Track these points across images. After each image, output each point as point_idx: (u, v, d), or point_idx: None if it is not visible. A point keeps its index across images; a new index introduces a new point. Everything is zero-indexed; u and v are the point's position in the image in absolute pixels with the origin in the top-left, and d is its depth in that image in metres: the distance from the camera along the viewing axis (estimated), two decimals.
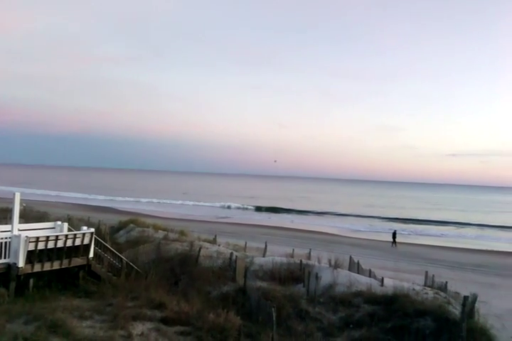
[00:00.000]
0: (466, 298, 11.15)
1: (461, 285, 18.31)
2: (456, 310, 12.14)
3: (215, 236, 24.59)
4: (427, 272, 17.39)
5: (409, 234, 47.59)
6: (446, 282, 15.74)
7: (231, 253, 16.89)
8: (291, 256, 20.40)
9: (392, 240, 38.04)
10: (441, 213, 76.83)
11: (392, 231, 40.00)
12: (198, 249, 16.98)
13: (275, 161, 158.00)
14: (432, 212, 77.81)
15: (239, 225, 47.25)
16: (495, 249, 40.32)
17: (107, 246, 14.42)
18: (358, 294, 13.66)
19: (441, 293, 14.28)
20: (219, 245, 21.53)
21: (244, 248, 23.43)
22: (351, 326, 11.88)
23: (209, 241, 21.95)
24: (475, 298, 11.61)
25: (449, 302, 13.07)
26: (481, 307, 13.55)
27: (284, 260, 17.52)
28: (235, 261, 15.40)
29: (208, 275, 14.69)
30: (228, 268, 15.71)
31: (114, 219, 28.63)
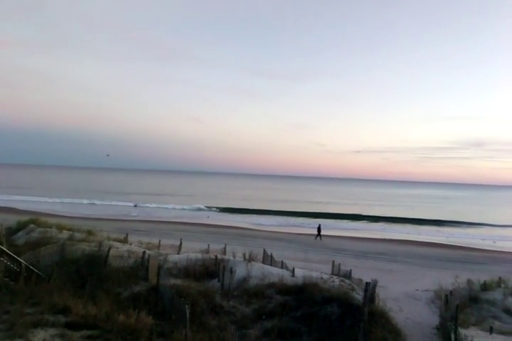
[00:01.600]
0: (367, 284, 12.04)
1: (364, 272, 19.77)
2: (359, 296, 13.06)
3: (127, 234, 23.65)
4: (333, 261, 18.46)
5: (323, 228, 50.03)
6: (351, 270, 16.85)
7: (143, 252, 16.37)
8: (207, 251, 20.38)
9: (317, 233, 39.61)
10: (352, 207, 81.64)
11: (317, 225, 41.24)
12: (107, 248, 16.19)
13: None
14: (343, 207, 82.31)
15: (153, 223, 45.94)
16: (394, 237, 44.11)
17: (2, 249, 13.13)
18: (271, 285, 14.07)
19: (346, 281, 15.27)
20: (131, 244, 20.76)
21: (158, 246, 22.88)
22: (264, 317, 12.20)
23: (120, 241, 21.04)
24: (375, 283, 12.58)
25: (352, 289, 14.02)
26: (380, 292, 14.74)
27: (199, 256, 17.45)
28: (148, 260, 14.97)
29: (118, 275, 14.09)
30: (140, 267, 15.22)
31: (12, 220, 26.15)
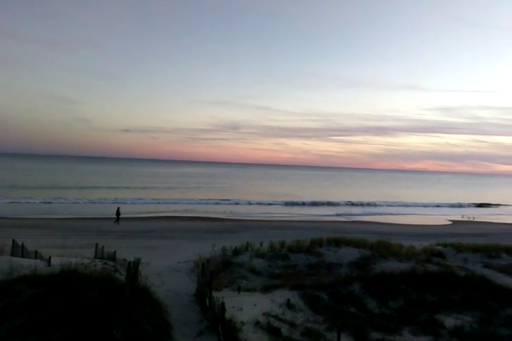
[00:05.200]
0: (130, 263, 12.02)
1: (130, 251, 19.75)
2: (122, 276, 12.93)
3: None
4: (97, 244, 17.71)
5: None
6: (115, 251, 16.54)
7: None
8: None
9: (116, 217, 36.76)
10: (137, 190, 78.89)
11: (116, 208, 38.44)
12: None
13: None
14: (130, 190, 78.33)
15: None
16: (166, 215, 45.65)
17: None
18: (21, 279, 12.43)
19: (110, 263, 14.91)
20: None
21: None
22: (11, 315, 10.71)
23: None
24: (138, 261, 12.69)
25: (116, 270, 13.78)
26: (145, 269, 15.02)
27: None
28: None
29: None
30: None
31: None
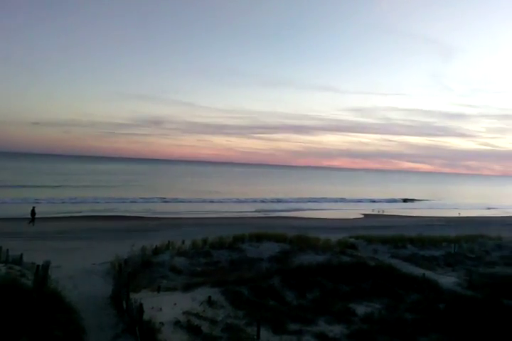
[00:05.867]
0: (38, 267, 11.22)
1: (40, 254, 18.33)
2: (29, 281, 12.02)
3: None
4: (1, 247, 16.24)
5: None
6: (22, 254, 15.32)
7: None
8: None
9: (31, 217, 33.46)
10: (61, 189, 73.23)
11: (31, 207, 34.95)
12: None
13: None
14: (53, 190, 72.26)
15: None
16: (79, 215, 43.09)
17: None
18: None
19: (16, 267, 13.81)
20: None
21: None
22: None
23: None
24: (47, 265, 11.83)
25: (23, 275, 12.80)
26: (55, 272, 14.01)
27: None
28: None
29: None
30: None
31: None
